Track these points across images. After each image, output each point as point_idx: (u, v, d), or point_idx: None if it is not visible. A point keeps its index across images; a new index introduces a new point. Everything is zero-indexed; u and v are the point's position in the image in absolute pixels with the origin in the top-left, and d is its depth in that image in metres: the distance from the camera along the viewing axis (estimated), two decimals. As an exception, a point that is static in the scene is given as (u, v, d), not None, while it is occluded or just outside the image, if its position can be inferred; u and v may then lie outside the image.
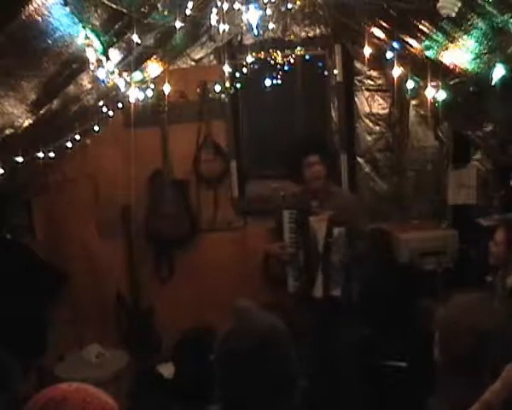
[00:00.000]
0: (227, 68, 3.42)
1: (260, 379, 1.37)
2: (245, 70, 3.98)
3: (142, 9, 2.24)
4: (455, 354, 1.51)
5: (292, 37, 4.27)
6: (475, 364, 1.46)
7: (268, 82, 4.31)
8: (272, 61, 4.23)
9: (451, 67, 2.79)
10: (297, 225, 3.28)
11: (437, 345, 1.60)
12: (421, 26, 2.57)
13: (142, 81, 3.45)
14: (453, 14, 2.08)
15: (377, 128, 4.43)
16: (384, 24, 3.03)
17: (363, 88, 4.38)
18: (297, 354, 1.44)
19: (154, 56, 3.33)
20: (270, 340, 1.40)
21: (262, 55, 4.17)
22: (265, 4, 2.92)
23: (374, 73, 4.34)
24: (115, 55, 2.48)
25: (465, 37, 2.33)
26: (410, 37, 2.87)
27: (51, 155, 2.97)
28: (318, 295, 3.23)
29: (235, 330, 1.43)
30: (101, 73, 2.11)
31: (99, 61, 2.07)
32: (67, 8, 1.71)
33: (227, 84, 3.88)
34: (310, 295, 3.25)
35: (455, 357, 1.51)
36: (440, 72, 2.75)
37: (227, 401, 1.42)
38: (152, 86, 3.41)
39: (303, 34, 4.28)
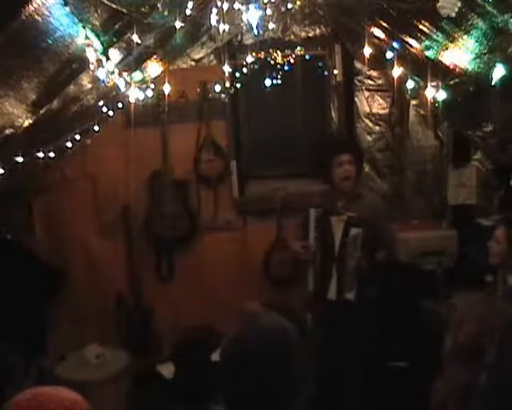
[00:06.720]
0: (227, 68, 3.41)
1: (267, 383, 1.35)
2: (245, 70, 3.98)
3: (142, 9, 2.24)
4: (459, 341, 1.65)
5: (292, 37, 4.28)
6: (476, 351, 1.58)
7: (268, 82, 4.31)
8: (272, 61, 4.23)
9: (451, 67, 2.79)
10: (318, 224, 3.19)
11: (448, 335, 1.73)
12: (421, 26, 2.57)
13: (142, 81, 3.44)
14: (453, 14, 2.09)
15: (377, 128, 4.44)
16: (384, 24, 3.03)
17: (363, 88, 4.38)
18: (306, 357, 1.42)
19: (154, 56, 3.33)
20: (278, 344, 1.39)
21: (262, 55, 4.16)
22: (265, 4, 2.92)
23: (374, 73, 4.35)
24: (115, 55, 2.47)
25: (465, 37, 2.34)
26: (410, 37, 2.87)
27: (51, 155, 2.97)
28: (332, 297, 3.16)
29: (242, 334, 1.42)
30: (101, 73, 2.11)
31: (99, 61, 2.06)
32: (67, 8, 1.71)
33: (227, 84, 3.87)
34: (324, 297, 3.19)
35: (459, 344, 1.66)
36: (440, 72, 2.75)
37: (232, 402, 1.41)
38: (152, 86, 3.41)
39: (303, 34, 4.28)
